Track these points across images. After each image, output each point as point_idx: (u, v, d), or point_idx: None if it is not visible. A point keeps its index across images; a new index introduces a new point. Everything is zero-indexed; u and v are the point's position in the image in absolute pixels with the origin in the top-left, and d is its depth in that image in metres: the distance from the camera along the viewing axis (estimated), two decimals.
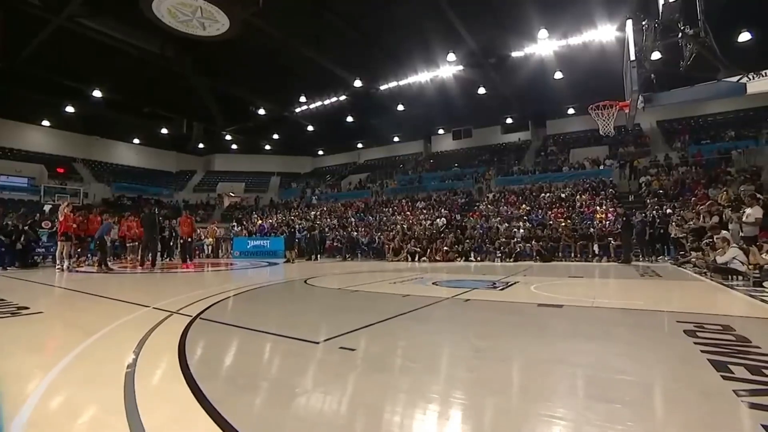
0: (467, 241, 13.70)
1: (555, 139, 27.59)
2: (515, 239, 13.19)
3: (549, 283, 6.69)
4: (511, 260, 12.26)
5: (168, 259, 14.41)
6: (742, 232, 7.83)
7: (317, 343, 2.94)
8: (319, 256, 14.58)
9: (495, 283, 6.72)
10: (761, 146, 16.73)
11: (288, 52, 19.87)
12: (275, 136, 32.79)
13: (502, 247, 12.76)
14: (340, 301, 5.15)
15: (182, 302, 4.84)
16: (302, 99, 25.32)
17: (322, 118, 27.60)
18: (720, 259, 6.79)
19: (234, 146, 34.41)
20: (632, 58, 5.64)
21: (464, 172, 25.23)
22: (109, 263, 10.49)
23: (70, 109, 25.82)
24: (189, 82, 23.57)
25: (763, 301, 4.57)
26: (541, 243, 12.51)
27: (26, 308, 4.34)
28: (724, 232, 8.10)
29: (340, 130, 29.99)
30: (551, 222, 15.38)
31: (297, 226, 20.73)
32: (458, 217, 19.13)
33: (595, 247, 11.80)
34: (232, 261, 13.87)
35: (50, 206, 19.34)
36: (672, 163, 18.91)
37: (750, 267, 6.40)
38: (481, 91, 23.37)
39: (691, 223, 9.88)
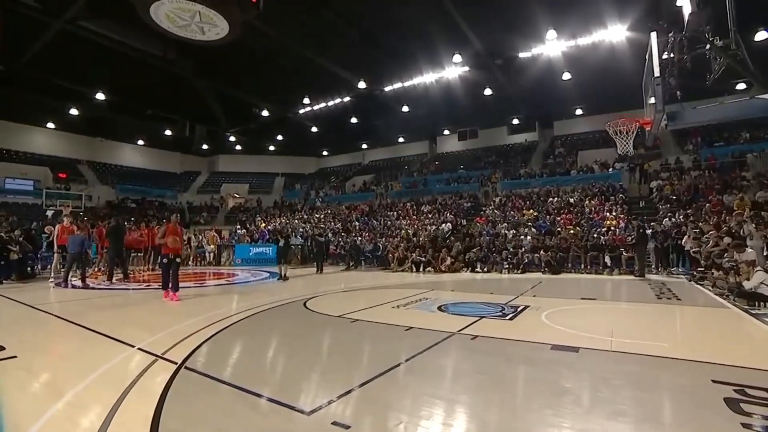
0: (474, 249, 13.30)
1: (562, 140, 27.04)
2: (523, 249, 12.78)
3: (560, 308, 6.31)
4: (519, 271, 11.86)
5: None
6: (767, 250, 7.40)
7: (307, 414, 2.61)
8: (323, 267, 13.28)
9: (503, 308, 6.36)
10: None
11: (290, 54, 19.57)
12: (279, 137, 32.53)
13: (509, 258, 12.36)
14: (337, 339, 4.80)
15: (171, 338, 4.56)
16: (306, 101, 25.02)
17: (326, 119, 27.30)
18: (747, 284, 6.38)
19: (238, 147, 34.18)
20: (656, 74, 5.21)
21: (470, 174, 24.77)
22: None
23: (74, 111, 25.73)
24: (191, 84, 23.37)
25: None
26: (549, 253, 12.09)
27: (1, 349, 4.08)
28: (749, 250, 7.67)
29: (345, 130, 29.65)
30: (560, 229, 14.94)
31: (301, 230, 20.47)
32: (464, 222, 18.75)
33: (607, 259, 11.36)
34: (232, 271, 13.57)
35: (52, 211, 19.19)
36: (684, 167, 18.35)
37: None
38: (488, 92, 22.92)
39: (708, 235, 9.41)
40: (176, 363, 3.71)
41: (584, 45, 18.35)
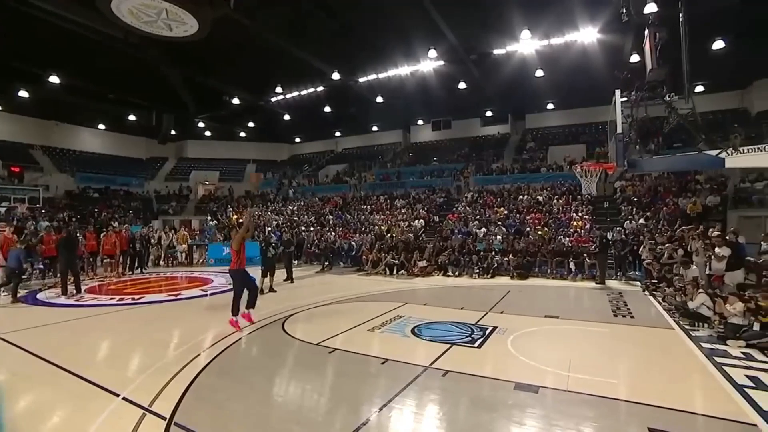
0: (445, 252, 13.76)
1: (534, 133, 27.71)
2: (493, 252, 13.34)
3: (525, 330, 6.77)
4: (489, 276, 12.42)
5: (138, 270, 13.93)
6: (709, 269, 8.12)
7: None
8: (293, 276, 12.18)
9: (473, 331, 6.76)
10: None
11: (263, 43, 18.97)
12: (251, 124, 31.70)
13: (479, 263, 12.88)
14: (318, 379, 4.94)
15: (154, 382, 4.62)
16: (278, 89, 24.45)
17: (299, 107, 26.82)
18: (691, 305, 7.05)
19: (207, 133, 33.08)
20: (619, 131, 5.60)
21: (443, 168, 25.17)
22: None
23: (23, 93, 24.03)
24: (157, 69, 22.26)
25: (728, 379, 4.75)
26: (518, 257, 12.71)
27: None
28: (693, 267, 8.39)
29: (318, 118, 29.25)
30: (529, 229, 15.60)
31: (274, 223, 20.36)
32: (436, 218, 19.19)
33: (571, 265, 12.07)
34: (206, 275, 13.39)
35: (5, 208, 18.16)
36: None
37: (715, 317, 6.67)
38: (462, 85, 23.15)
39: (661, 248, 10.19)
40: (165, 418, 3.82)
41: (557, 44, 18.76)
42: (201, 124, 30.78)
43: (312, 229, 19.69)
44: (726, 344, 5.91)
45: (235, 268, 6.82)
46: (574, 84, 22.16)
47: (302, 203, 25.02)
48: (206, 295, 10.29)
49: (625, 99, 7.38)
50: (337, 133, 34.72)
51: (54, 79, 22.18)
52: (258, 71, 22.03)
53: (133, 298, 9.52)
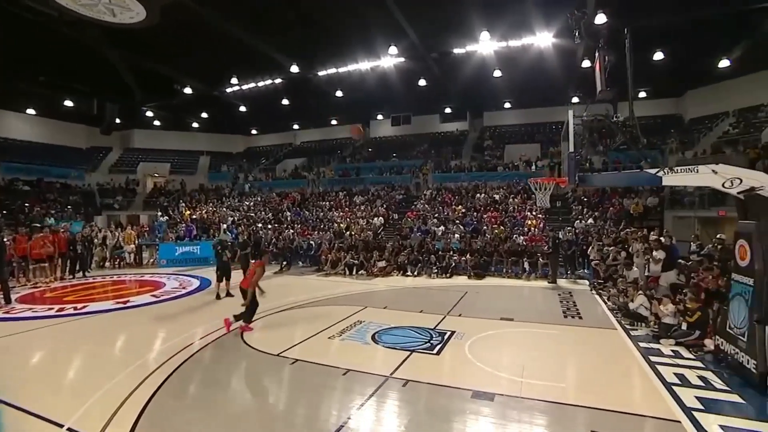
0: (404, 252, 13.95)
1: (491, 131, 28.50)
2: (450, 252, 13.68)
3: (482, 334, 7.04)
4: (447, 276, 12.74)
5: (81, 274, 12.97)
6: (648, 271, 8.82)
7: None
8: None
9: (432, 336, 6.93)
10: (666, 157, 18.56)
11: (218, 32, 18.04)
12: (204, 115, 30.21)
13: (438, 262, 13.19)
14: (281, 395, 4.93)
15: (102, 407, 4.34)
16: (234, 80, 23.45)
17: (256, 98, 25.88)
18: (631, 306, 7.65)
19: (156, 122, 31.12)
20: (571, 149, 5.93)
21: (402, 164, 25.37)
22: None
23: None
24: (98, 52, 20.51)
25: (659, 377, 5.22)
26: (475, 257, 13.12)
27: None
28: (634, 269, 9.08)
29: (275, 111, 28.41)
30: (485, 227, 16.14)
31: (230, 220, 19.66)
32: (395, 216, 19.38)
33: (526, 264, 12.64)
34: (157, 278, 12.63)
35: None
36: (594, 169, 20.47)
37: (652, 317, 7.28)
38: (422, 82, 23.36)
39: (607, 249, 10.94)
40: None
41: (514, 46, 19.36)
42: (149, 113, 28.88)
43: (270, 226, 19.21)
44: (659, 343, 6.47)
45: (246, 286, 7.42)
46: (530, 84, 23.03)
47: (259, 198, 24.32)
48: (159, 301, 9.79)
49: (578, 101, 7.75)
50: (296, 126, 33.94)
51: None
52: (212, 60, 21.00)
53: (75, 308, 8.85)
